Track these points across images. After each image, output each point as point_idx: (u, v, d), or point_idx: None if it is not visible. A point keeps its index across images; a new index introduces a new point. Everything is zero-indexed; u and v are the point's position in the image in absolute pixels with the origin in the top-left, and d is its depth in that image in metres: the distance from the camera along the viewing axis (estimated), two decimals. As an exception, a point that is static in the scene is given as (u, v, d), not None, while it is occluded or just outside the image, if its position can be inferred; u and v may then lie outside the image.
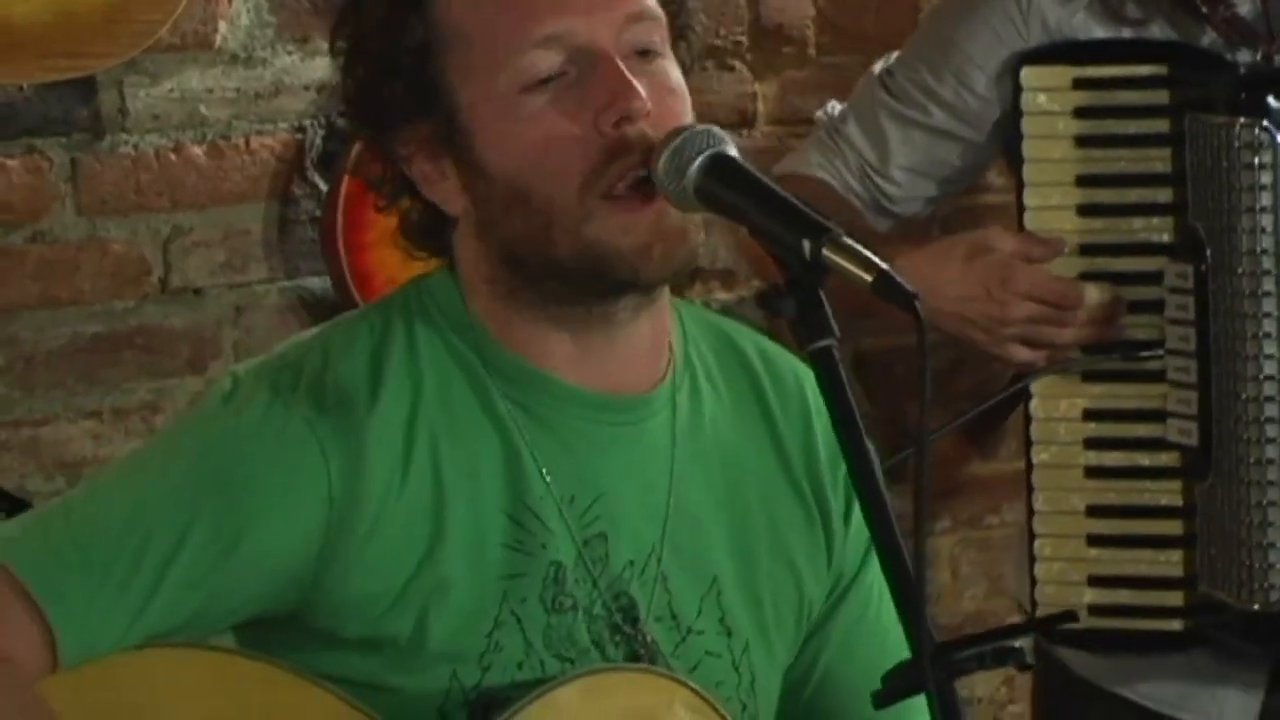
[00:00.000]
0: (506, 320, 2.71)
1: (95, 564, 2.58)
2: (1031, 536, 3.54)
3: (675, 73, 2.66)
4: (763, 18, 4.37)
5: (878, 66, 3.81)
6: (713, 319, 2.89)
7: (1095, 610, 3.51)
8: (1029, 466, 3.56)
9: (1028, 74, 3.55)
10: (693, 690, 2.73)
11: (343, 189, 4.08)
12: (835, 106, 3.76)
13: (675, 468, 2.77)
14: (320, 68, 4.12)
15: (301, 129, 4.15)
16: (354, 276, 4.09)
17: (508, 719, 2.66)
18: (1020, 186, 3.58)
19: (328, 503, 2.62)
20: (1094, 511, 3.51)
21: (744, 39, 4.30)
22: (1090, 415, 3.51)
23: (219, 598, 2.63)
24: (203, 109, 4.09)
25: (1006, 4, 3.62)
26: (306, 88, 4.13)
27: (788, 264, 2.43)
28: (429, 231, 2.73)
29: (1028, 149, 3.57)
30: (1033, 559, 3.53)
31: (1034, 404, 3.55)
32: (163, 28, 3.90)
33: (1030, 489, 3.55)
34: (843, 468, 2.71)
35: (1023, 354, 3.52)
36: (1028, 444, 3.57)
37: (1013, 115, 3.59)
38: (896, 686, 2.35)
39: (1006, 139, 3.65)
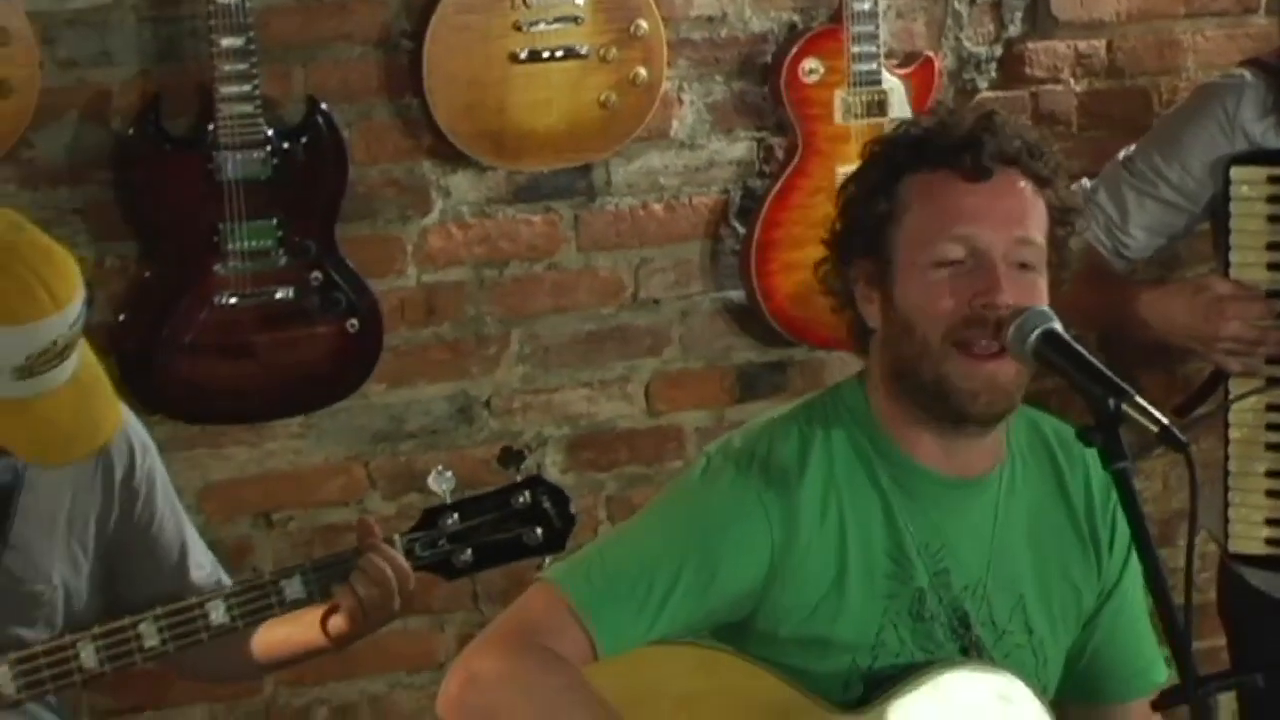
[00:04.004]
0: (893, 416, 2.70)
1: (620, 593, 2.62)
2: (1226, 490, 3.53)
3: (1040, 285, 2.64)
4: (1040, 106, 4.30)
5: (1121, 153, 3.78)
6: (1024, 410, 2.79)
7: (1270, 542, 3.50)
8: (1226, 442, 3.53)
9: (1235, 172, 3.53)
10: (1009, 673, 2.75)
11: (755, 234, 4.08)
12: (1087, 182, 3.73)
13: (998, 524, 2.75)
14: (739, 149, 4.14)
15: (726, 191, 4.15)
16: (761, 292, 4.08)
17: (903, 687, 2.70)
18: (1227, 249, 3.55)
19: (770, 548, 2.65)
20: (1272, 474, 3.50)
21: (1028, 122, 4.02)
22: (1271, 408, 3.52)
23: (702, 613, 2.66)
24: (661, 179, 4.12)
25: (1219, 117, 3.61)
26: (730, 163, 4.14)
27: (1097, 410, 2.43)
28: (857, 332, 2.74)
29: (1234, 223, 3.54)
30: (1227, 505, 3.52)
31: (1234, 403, 3.53)
32: (638, 129, 3.99)
33: (1226, 457, 3.53)
34: (1111, 508, 2.80)
35: (1232, 364, 3.52)
36: (1226, 426, 3.55)
37: (1223, 198, 3.56)
38: (1170, 699, 2.39)
39: (1214, 212, 3.63)
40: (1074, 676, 2.84)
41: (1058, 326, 2.54)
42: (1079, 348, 2.51)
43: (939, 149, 2.66)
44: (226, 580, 3.33)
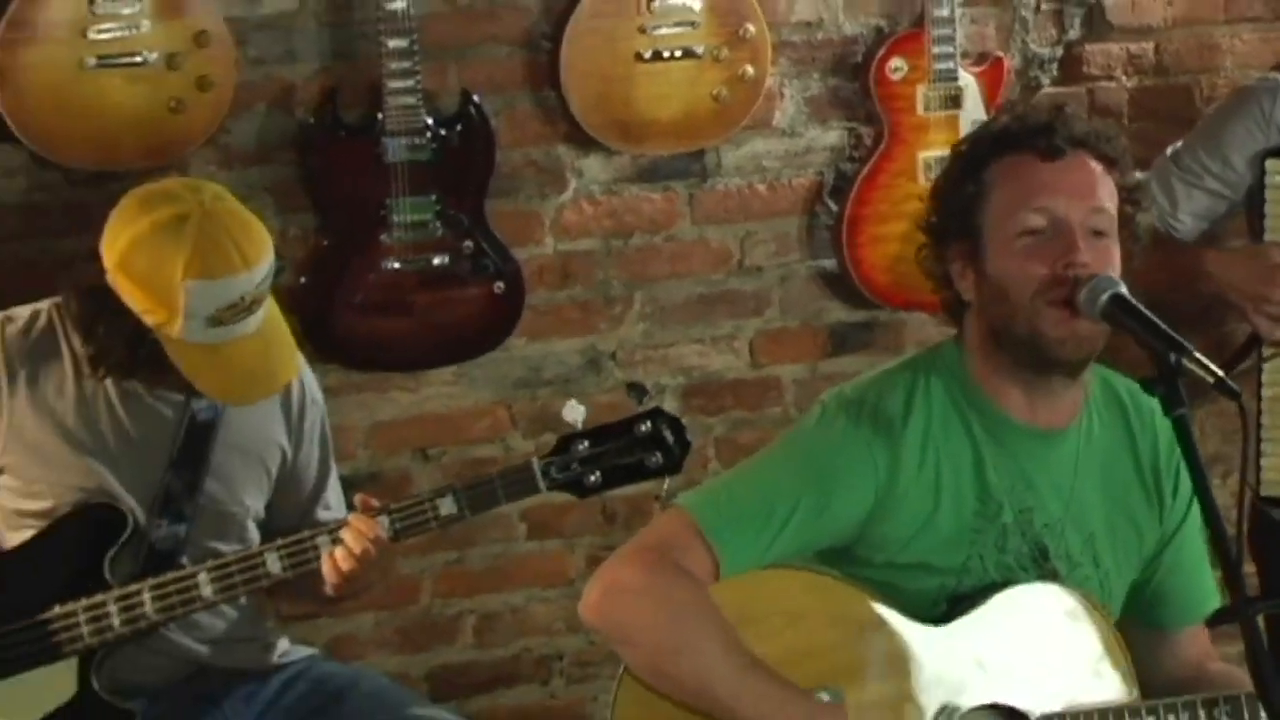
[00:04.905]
0: (986, 375, 2.70)
1: (744, 519, 2.63)
2: (1259, 440, 3.52)
3: (1114, 250, 2.62)
4: (1096, 101, 4.26)
5: (1169, 149, 3.79)
6: (1099, 369, 2.78)
7: (1300, 485, 3.48)
8: (1259, 399, 3.53)
9: (1270, 163, 3.58)
10: (1079, 594, 2.74)
11: (846, 211, 4.08)
12: (1139, 174, 3.49)
13: (1077, 471, 2.75)
14: (833, 137, 4.12)
15: (821, 173, 4.14)
16: (851, 261, 4.10)
17: (983, 604, 2.70)
18: (1261, 231, 3.56)
19: (875, 487, 2.66)
20: None
21: (1085, 114, 4.09)
22: None
23: (812, 540, 2.67)
24: (764, 163, 4.12)
25: (1256, 116, 3.63)
26: (824, 149, 4.13)
27: (1160, 363, 2.39)
28: (954, 307, 2.75)
29: (1269, 209, 3.56)
30: (1260, 454, 3.53)
31: (1266, 363, 3.55)
32: (745, 119, 4.00)
33: (1260, 411, 3.52)
34: (1175, 462, 2.77)
35: (1274, 329, 3.52)
36: (1259, 384, 3.55)
37: (1258, 187, 3.58)
38: (1221, 618, 2.36)
39: (1251, 200, 3.64)
40: (1139, 605, 2.84)
41: (1124, 290, 2.54)
42: (1143, 309, 2.50)
43: (1018, 135, 2.66)
44: None
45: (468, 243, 3.85)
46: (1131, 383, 2.76)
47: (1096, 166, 2.65)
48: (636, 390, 3.30)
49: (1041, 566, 2.75)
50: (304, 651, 3.51)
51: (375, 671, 3.63)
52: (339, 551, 3.14)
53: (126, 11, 3.56)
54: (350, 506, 3.28)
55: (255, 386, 3.22)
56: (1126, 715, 2.67)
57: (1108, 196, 2.65)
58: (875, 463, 2.66)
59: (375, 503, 3.20)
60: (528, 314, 3.96)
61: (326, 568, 3.16)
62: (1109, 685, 2.73)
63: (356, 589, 3.25)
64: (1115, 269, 2.61)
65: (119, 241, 3.12)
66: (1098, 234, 2.62)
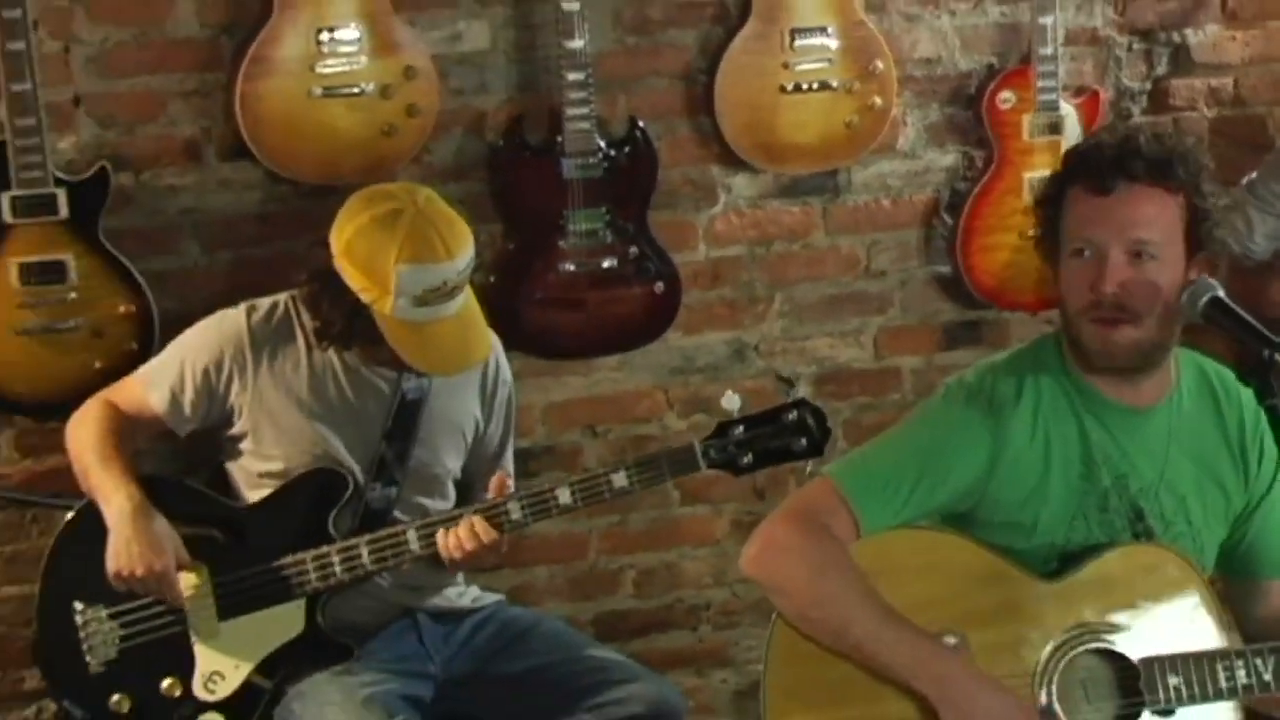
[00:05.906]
0: (1079, 362, 2.75)
1: (879, 486, 2.69)
2: None
3: (1158, 269, 2.62)
4: (1181, 130, 4.21)
5: (1245, 180, 3.83)
6: (1187, 353, 2.80)
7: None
8: None
9: None
10: (1175, 552, 2.77)
11: (960, 224, 4.09)
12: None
13: (1169, 441, 2.77)
14: (949, 159, 4.13)
15: (938, 191, 4.15)
16: (964, 268, 4.11)
17: (1090, 561, 2.72)
18: None
19: (989, 459, 2.71)
20: None
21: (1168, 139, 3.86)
22: None
23: (937, 503, 2.71)
24: (889, 181, 4.12)
25: None
26: (941, 169, 4.14)
27: (1254, 358, 2.44)
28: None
29: None
30: None
31: None
32: (873, 143, 4.01)
33: None
34: (1259, 435, 2.79)
35: None
36: None
37: None
38: None
39: None
40: (1234, 560, 2.86)
41: (1221, 293, 2.55)
42: (1238, 309, 2.52)
43: (1081, 170, 2.69)
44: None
45: (633, 249, 3.88)
46: (1221, 367, 2.81)
47: (1154, 195, 2.64)
48: (785, 383, 3.38)
49: (1136, 526, 2.77)
50: (492, 597, 3.60)
51: (552, 616, 3.71)
52: (452, 542, 3.21)
53: (347, 50, 3.64)
54: (524, 475, 3.34)
55: (452, 361, 3.30)
56: (1218, 659, 2.69)
57: (1157, 224, 2.64)
58: (988, 438, 2.70)
59: (509, 486, 3.28)
60: (683, 311, 3.99)
61: (440, 543, 3.23)
62: (1204, 635, 2.75)
63: (467, 569, 3.36)
64: (1161, 284, 2.62)
65: (345, 231, 3.25)
66: (1138, 255, 2.63)
